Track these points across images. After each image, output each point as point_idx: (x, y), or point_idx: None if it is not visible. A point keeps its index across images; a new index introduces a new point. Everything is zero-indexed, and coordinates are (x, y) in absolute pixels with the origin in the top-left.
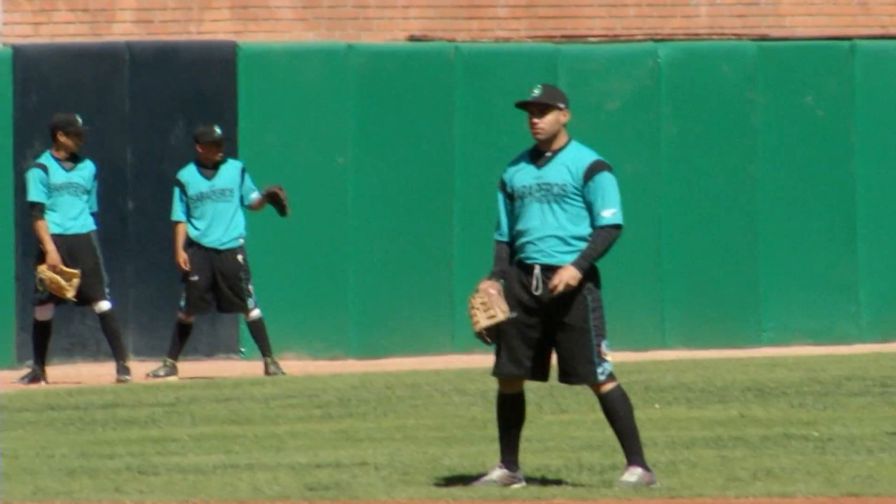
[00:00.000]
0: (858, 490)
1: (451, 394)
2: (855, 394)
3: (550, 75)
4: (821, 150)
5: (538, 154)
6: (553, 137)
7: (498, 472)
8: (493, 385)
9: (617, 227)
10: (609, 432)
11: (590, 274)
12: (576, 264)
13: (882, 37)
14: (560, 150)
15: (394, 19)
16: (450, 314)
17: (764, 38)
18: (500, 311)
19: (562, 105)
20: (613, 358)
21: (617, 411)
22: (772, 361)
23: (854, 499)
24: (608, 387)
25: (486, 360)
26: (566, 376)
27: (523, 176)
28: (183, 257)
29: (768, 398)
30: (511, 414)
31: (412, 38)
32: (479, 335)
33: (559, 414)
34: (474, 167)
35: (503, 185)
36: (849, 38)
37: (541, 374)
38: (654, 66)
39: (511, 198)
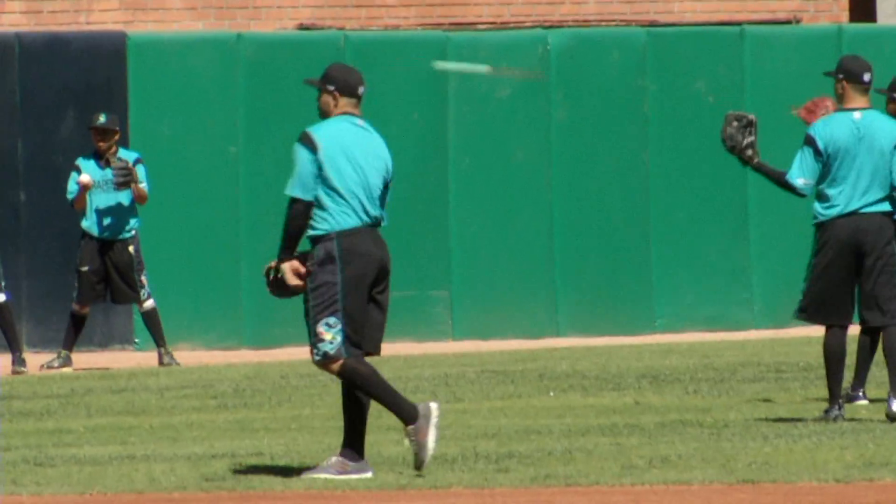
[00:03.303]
0: (755, 477)
1: None
2: (749, 380)
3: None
4: (712, 136)
5: None
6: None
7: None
8: (387, 374)
9: (291, 199)
10: (504, 420)
11: (320, 252)
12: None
13: (771, 22)
14: None
15: (283, 8)
16: None
17: (653, 25)
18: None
19: (329, 87)
20: (510, 346)
21: (354, 389)
22: (666, 348)
23: (750, 485)
24: (333, 368)
25: (385, 349)
26: None
27: None
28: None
29: (663, 385)
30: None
31: (302, 27)
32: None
33: (454, 402)
34: None
35: None
36: (738, 24)
37: None
38: (543, 53)
39: None
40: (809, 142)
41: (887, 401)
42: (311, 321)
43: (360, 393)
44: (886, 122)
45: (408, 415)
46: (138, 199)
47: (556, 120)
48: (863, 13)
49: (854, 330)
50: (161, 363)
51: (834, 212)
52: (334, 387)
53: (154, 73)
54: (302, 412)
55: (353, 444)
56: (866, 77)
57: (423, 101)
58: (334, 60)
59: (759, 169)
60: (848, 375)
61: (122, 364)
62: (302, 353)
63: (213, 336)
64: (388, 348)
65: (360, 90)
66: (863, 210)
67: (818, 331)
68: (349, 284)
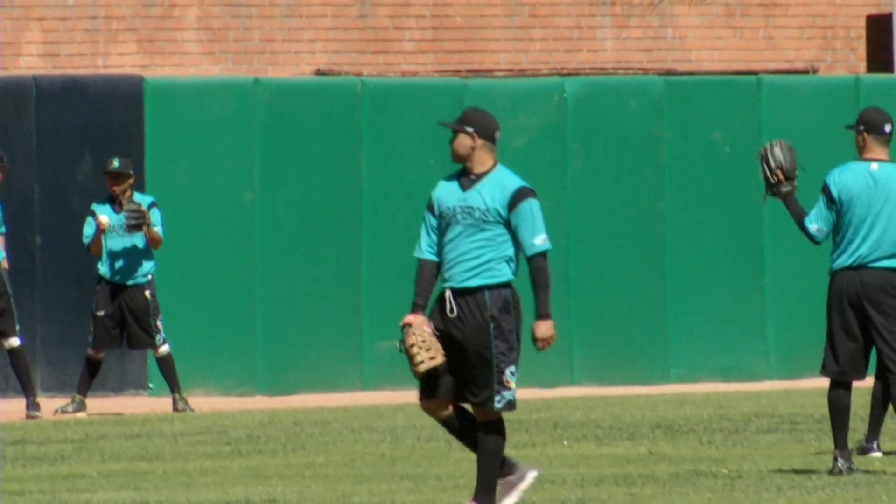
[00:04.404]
0: None
1: (361, 431)
2: (764, 431)
3: (457, 110)
4: (728, 186)
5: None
6: (472, 160)
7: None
8: (401, 422)
9: (544, 252)
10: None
11: (499, 301)
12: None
13: (788, 72)
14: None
15: (300, 53)
16: (358, 351)
17: (670, 73)
18: (440, 354)
19: (468, 129)
20: (524, 394)
21: (488, 444)
22: (680, 398)
23: None
24: (503, 416)
25: (394, 397)
26: (466, 398)
27: (445, 196)
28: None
29: (677, 435)
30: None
31: (319, 73)
32: (419, 374)
33: (467, 451)
34: (382, 203)
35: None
36: (755, 73)
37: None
38: (560, 100)
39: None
40: (824, 189)
41: None
42: (493, 368)
43: (489, 441)
44: None
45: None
46: (152, 242)
47: (572, 168)
48: (880, 64)
49: (869, 381)
50: (175, 409)
51: (841, 263)
52: (348, 434)
53: (171, 118)
54: (316, 459)
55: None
56: (887, 128)
57: (439, 148)
58: (351, 107)
59: (791, 202)
60: (862, 427)
61: (136, 409)
62: (316, 400)
63: (227, 382)
64: (400, 395)
65: (497, 134)
66: (871, 264)
67: None
68: (520, 333)
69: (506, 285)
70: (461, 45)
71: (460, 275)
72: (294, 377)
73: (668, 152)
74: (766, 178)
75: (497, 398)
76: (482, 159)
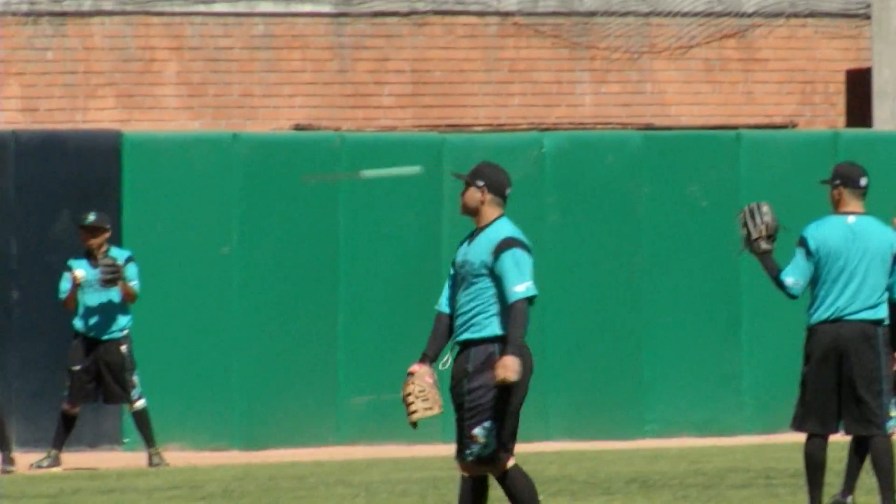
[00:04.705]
0: None
1: (335, 485)
2: (738, 486)
3: (436, 165)
4: (705, 240)
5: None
6: (479, 214)
7: None
8: (375, 477)
9: (530, 298)
10: None
11: (481, 355)
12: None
13: (767, 126)
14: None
15: (279, 108)
16: (333, 406)
17: (649, 128)
18: (437, 405)
19: (479, 182)
20: None
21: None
22: (655, 453)
23: None
24: (497, 469)
25: (369, 451)
26: None
27: (458, 252)
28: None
29: (652, 490)
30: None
31: (298, 128)
32: (414, 424)
33: None
34: (359, 258)
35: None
36: (734, 128)
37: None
38: (538, 155)
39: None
40: (801, 243)
41: None
42: (464, 421)
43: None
44: (879, 228)
45: None
46: (126, 297)
47: (549, 222)
48: (859, 119)
49: (846, 435)
50: (150, 464)
51: (819, 317)
52: (323, 489)
53: (149, 172)
54: None
55: None
56: (863, 181)
57: (418, 202)
58: (329, 161)
59: (766, 259)
60: (838, 481)
61: (110, 464)
62: (290, 454)
63: (202, 436)
64: (376, 451)
65: (508, 191)
66: (847, 317)
67: None
68: (508, 388)
69: (492, 340)
70: (440, 99)
71: (457, 329)
72: (269, 431)
73: (646, 207)
74: (748, 231)
75: (467, 451)
76: (487, 214)
